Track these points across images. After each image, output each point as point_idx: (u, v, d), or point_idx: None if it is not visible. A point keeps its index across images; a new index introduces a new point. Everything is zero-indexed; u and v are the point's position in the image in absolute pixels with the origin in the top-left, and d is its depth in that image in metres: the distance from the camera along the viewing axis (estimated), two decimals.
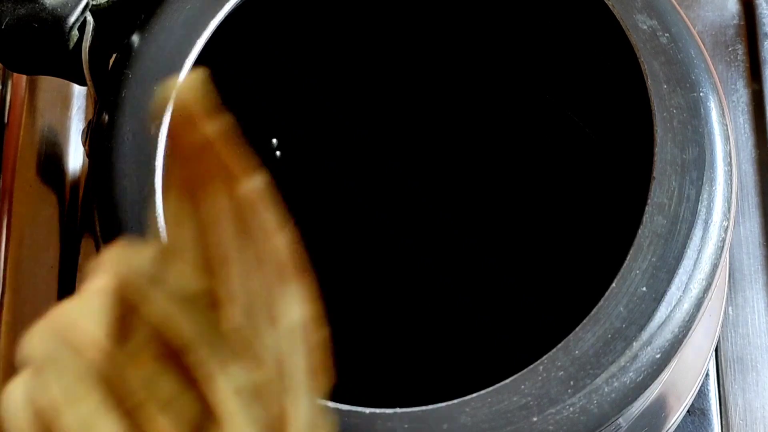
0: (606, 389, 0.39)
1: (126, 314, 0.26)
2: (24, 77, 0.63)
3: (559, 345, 0.39)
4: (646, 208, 0.41)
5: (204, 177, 0.25)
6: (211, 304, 0.25)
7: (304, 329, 0.26)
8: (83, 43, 0.46)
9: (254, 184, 0.26)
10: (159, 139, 0.43)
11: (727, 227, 0.42)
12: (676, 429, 0.50)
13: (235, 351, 0.25)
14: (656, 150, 0.42)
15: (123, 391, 0.26)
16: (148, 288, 0.26)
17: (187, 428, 0.25)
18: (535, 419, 0.38)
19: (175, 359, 0.25)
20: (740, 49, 0.62)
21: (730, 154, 0.43)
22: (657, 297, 0.40)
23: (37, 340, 0.27)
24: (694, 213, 0.41)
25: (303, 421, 0.26)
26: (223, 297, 0.25)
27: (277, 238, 0.26)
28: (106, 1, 0.47)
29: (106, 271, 0.27)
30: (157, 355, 0.26)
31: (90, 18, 0.47)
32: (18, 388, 0.26)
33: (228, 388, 0.25)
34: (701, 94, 0.43)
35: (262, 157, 0.59)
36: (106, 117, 0.44)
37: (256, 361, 0.25)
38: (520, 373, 0.39)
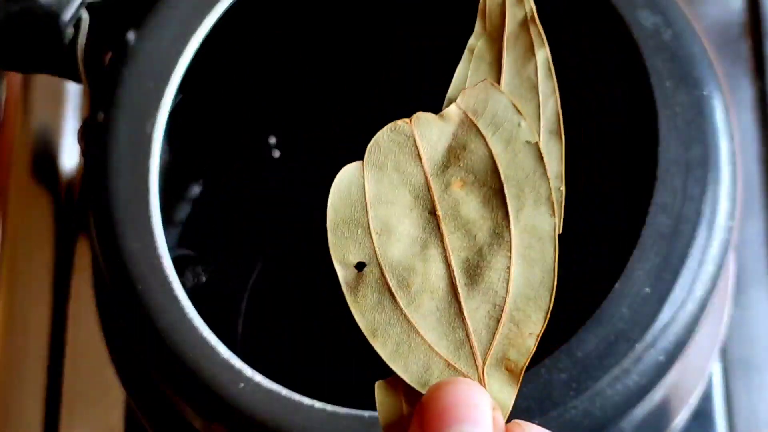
0: (609, 392, 0.39)
1: (457, 146, 0.32)
2: (19, 76, 0.63)
3: (562, 347, 0.39)
4: (650, 208, 0.41)
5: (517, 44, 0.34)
6: (537, 157, 0.32)
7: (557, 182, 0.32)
8: (78, 40, 0.46)
9: (548, 52, 0.34)
10: (154, 137, 0.43)
11: (732, 227, 0.42)
12: None
13: (533, 198, 0.32)
14: (660, 149, 0.42)
15: (430, 206, 0.32)
16: (487, 128, 0.32)
17: (474, 248, 0.31)
18: (536, 422, 0.38)
19: (485, 191, 0.32)
20: (745, 47, 0.62)
21: (734, 152, 0.43)
22: (661, 298, 0.40)
23: (389, 138, 0.32)
24: (698, 213, 0.41)
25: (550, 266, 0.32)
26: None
27: (554, 99, 0.33)
28: None
29: (459, 104, 0.33)
30: (467, 184, 0.32)
31: (85, 15, 0.46)
32: (356, 170, 0.32)
33: (521, 226, 0.31)
34: (705, 91, 0.43)
35: (260, 155, 0.59)
36: (102, 115, 0.44)
37: (550, 209, 0.32)
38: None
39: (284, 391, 0.39)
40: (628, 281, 0.40)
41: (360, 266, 0.32)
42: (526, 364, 0.31)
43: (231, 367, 0.40)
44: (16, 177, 0.61)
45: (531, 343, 0.31)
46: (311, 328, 0.53)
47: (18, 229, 0.61)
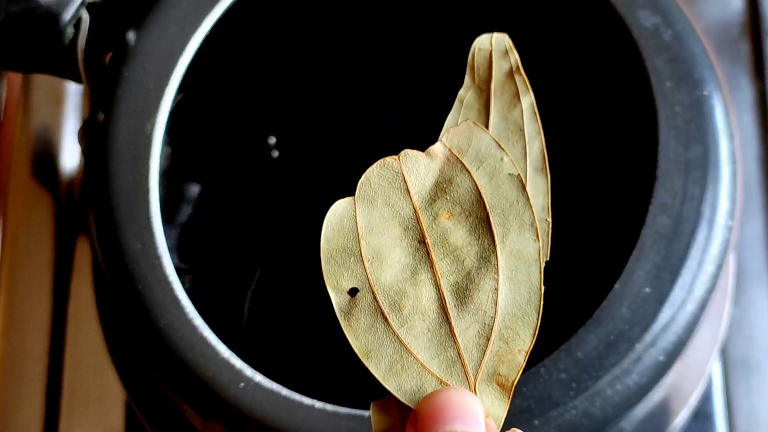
0: (609, 392, 0.39)
1: (443, 181, 0.34)
2: (19, 76, 0.63)
3: (562, 347, 0.39)
4: (650, 208, 0.41)
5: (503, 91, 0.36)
6: (520, 187, 0.34)
7: (544, 214, 0.35)
8: (78, 41, 0.46)
9: (532, 98, 0.36)
10: (154, 137, 0.43)
11: (732, 227, 0.42)
12: None
13: (518, 224, 0.34)
14: (660, 149, 0.41)
15: (420, 236, 0.33)
16: (472, 163, 0.34)
17: (462, 272, 0.33)
18: (536, 422, 0.38)
19: (472, 220, 0.33)
20: (745, 47, 0.62)
21: (734, 152, 0.43)
22: (660, 298, 0.40)
23: (378, 174, 0.34)
24: (698, 213, 0.41)
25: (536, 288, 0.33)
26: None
27: (539, 140, 0.36)
28: None
29: (445, 142, 0.34)
30: (454, 215, 0.33)
31: (85, 15, 0.46)
32: (348, 204, 0.33)
33: (507, 250, 0.33)
34: (705, 92, 0.43)
35: (260, 155, 0.59)
36: (102, 115, 0.44)
37: (534, 235, 0.34)
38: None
39: (284, 391, 0.39)
40: (628, 281, 0.40)
41: (353, 292, 0.33)
42: (517, 378, 0.32)
43: (231, 367, 0.40)
44: (16, 177, 0.61)
45: (520, 359, 0.33)
46: (311, 328, 0.53)
47: (18, 229, 0.61)
